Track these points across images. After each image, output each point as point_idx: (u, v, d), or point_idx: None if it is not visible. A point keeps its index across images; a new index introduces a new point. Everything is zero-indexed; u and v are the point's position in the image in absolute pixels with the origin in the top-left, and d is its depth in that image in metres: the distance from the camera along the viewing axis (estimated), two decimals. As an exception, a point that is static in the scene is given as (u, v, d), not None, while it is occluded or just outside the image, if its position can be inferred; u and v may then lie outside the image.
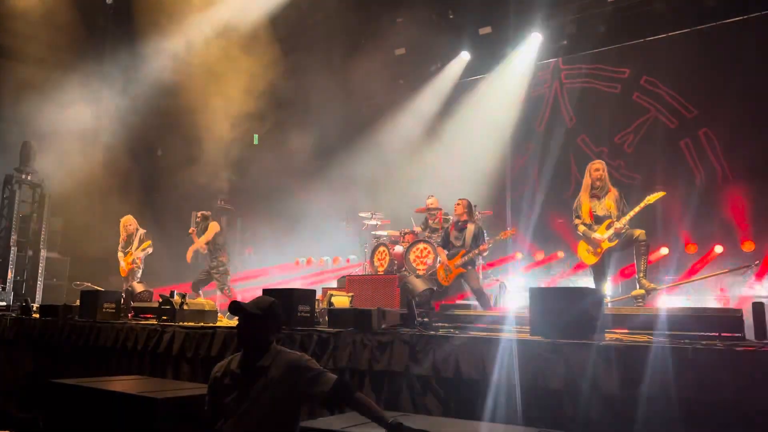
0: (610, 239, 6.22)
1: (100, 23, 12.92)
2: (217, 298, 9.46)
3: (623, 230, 6.17)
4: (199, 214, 9.44)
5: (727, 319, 3.92)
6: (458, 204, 7.62)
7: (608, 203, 6.33)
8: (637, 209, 6.15)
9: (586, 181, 6.51)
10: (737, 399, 3.11)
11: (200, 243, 9.24)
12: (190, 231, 9.47)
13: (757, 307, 4.08)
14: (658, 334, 3.93)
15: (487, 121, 11.66)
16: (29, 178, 11.42)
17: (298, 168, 13.17)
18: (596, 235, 6.29)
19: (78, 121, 11.65)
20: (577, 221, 6.54)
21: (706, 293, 8.46)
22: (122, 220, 9.79)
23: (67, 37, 11.16)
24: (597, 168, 6.47)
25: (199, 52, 11.54)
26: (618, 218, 6.20)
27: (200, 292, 9.16)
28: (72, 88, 11.49)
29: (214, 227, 9.32)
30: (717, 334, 3.87)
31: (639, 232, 6.13)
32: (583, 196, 6.51)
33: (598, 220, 6.36)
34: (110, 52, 12.62)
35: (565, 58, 11.25)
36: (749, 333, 4.04)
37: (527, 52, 11.56)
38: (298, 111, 13.55)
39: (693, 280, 7.92)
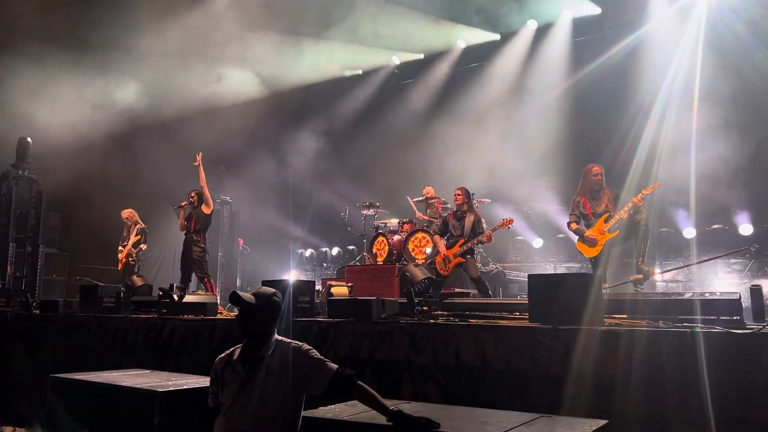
0: (610, 230, 6.26)
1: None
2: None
3: (624, 221, 6.21)
4: (193, 193, 8.88)
5: (726, 303, 3.93)
6: (457, 193, 7.62)
7: (606, 202, 6.41)
8: (635, 200, 6.18)
9: (584, 183, 6.57)
10: (736, 382, 3.12)
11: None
12: (182, 204, 8.90)
13: (755, 290, 4.09)
14: (657, 319, 3.94)
15: (484, 108, 11.67)
16: (26, 173, 11.38)
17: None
18: (589, 233, 6.37)
19: (74, 115, 11.59)
20: (571, 218, 6.62)
21: (705, 277, 8.50)
22: (122, 213, 9.71)
23: (62, 30, 11.08)
24: (595, 172, 6.52)
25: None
26: (617, 212, 6.27)
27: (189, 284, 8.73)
28: (68, 82, 11.43)
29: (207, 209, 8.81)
30: (715, 317, 3.88)
31: (640, 217, 6.16)
32: (581, 198, 6.58)
33: (596, 216, 6.44)
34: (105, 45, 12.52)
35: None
36: (747, 316, 4.05)
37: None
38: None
39: (691, 264, 7.94)
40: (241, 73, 12.30)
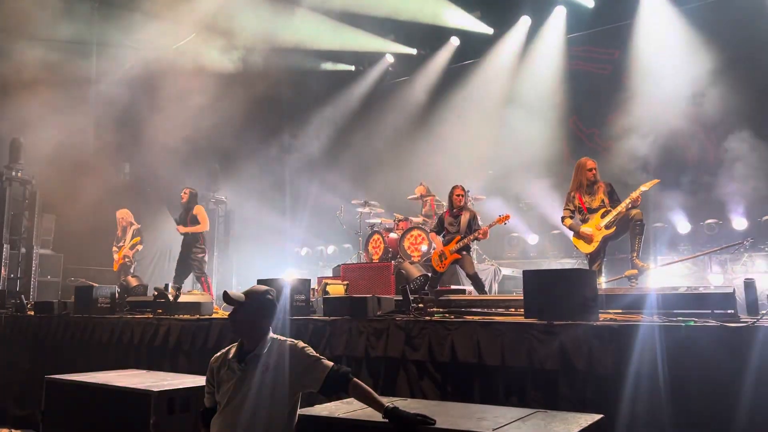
0: (606, 227, 6.26)
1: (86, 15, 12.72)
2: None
3: (619, 217, 6.20)
4: (186, 190, 8.91)
5: (719, 297, 3.94)
6: (460, 193, 7.62)
7: (601, 196, 6.37)
8: (633, 196, 6.17)
9: (578, 178, 6.54)
10: (730, 375, 3.14)
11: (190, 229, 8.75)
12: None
13: (749, 283, 4.10)
14: (652, 313, 3.95)
15: (478, 105, 11.67)
16: (19, 175, 11.30)
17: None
18: (585, 229, 6.33)
19: (67, 116, 11.53)
20: (565, 213, 6.57)
21: (700, 271, 8.52)
22: (117, 213, 9.73)
23: (54, 30, 11.03)
24: (589, 167, 6.49)
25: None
26: (613, 206, 6.25)
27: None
28: (61, 82, 11.36)
29: (201, 210, 8.90)
30: (709, 311, 3.89)
31: (635, 212, 6.16)
32: (576, 192, 6.54)
33: (592, 211, 6.40)
34: (98, 45, 12.47)
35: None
36: (741, 310, 4.06)
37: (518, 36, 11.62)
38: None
39: (686, 259, 7.96)
40: (229, 51, 12.26)
